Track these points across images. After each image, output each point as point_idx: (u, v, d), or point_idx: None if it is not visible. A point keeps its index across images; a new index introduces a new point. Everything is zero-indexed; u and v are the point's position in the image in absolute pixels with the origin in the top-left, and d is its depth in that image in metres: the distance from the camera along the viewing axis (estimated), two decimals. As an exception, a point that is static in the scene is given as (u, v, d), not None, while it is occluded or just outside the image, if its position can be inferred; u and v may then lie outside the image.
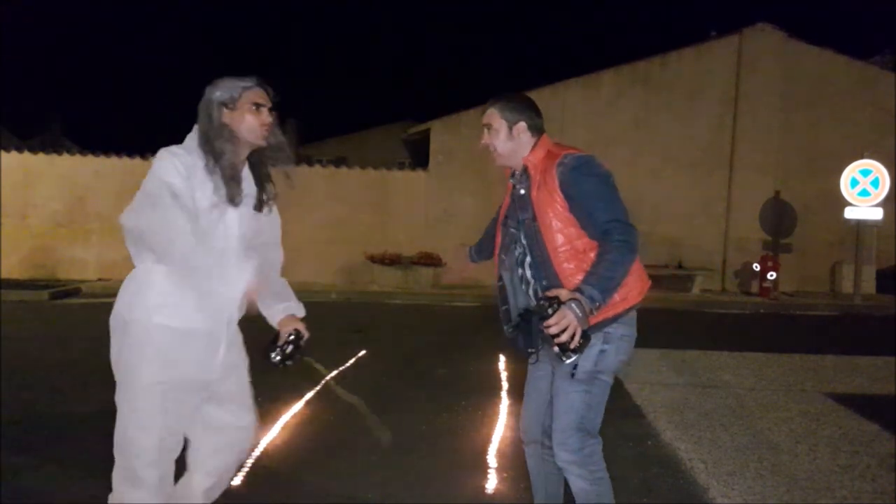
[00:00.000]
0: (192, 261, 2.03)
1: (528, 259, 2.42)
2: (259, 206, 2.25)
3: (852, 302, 11.80)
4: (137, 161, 12.40)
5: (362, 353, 6.56)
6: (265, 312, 2.35)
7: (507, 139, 2.44)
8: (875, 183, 11.95)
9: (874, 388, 5.66)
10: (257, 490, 3.25)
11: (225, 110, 2.12)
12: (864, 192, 11.99)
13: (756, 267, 12.62)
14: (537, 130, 2.47)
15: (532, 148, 2.44)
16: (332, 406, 4.80)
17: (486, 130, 2.49)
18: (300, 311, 2.38)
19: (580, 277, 2.25)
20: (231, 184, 2.11)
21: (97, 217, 12.38)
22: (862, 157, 12.04)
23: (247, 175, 2.22)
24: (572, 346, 2.12)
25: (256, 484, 3.31)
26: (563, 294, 2.17)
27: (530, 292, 2.42)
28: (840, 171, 12.17)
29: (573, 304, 2.11)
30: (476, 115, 14.52)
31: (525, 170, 2.44)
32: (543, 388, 2.52)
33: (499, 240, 2.56)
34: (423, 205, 13.12)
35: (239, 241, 2.18)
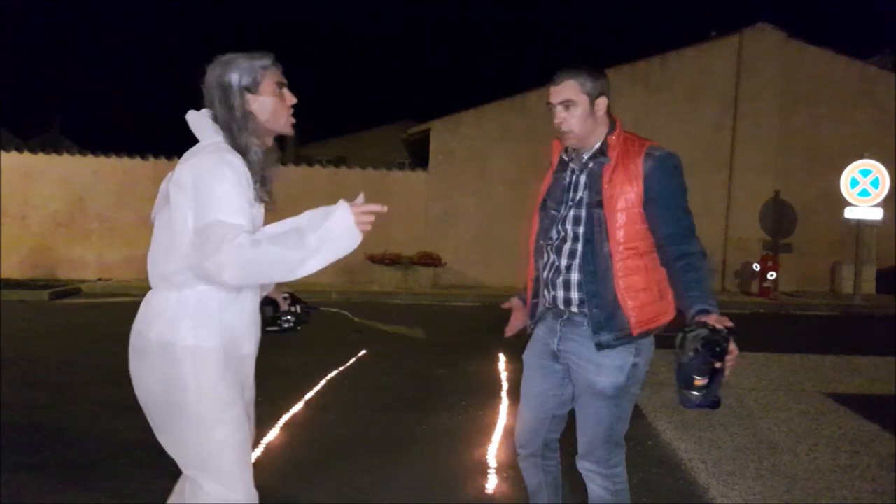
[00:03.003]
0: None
1: (569, 247, 2.19)
2: (265, 196, 1.97)
3: (852, 302, 11.80)
4: (137, 161, 12.40)
5: (362, 352, 6.56)
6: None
7: (588, 116, 2.17)
8: (875, 183, 11.95)
9: (874, 388, 5.66)
10: (257, 490, 3.24)
11: (248, 96, 1.85)
12: (864, 192, 11.99)
13: (756, 267, 12.62)
14: (609, 112, 2.24)
15: (611, 128, 2.21)
16: (332, 406, 4.80)
17: (558, 108, 2.18)
18: None
19: (632, 282, 2.11)
20: (264, 181, 1.88)
21: (97, 217, 12.37)
22: (862, 157, 12.04)
23: None
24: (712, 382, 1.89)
25: (256, 484, 3.31)
26: (712, 318, 1.93)
27: (559, 281, 2.20)
28: (840, 171, 12.17)
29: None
30: (476, 115, 14.50)
31: (602, 150, 2.19)
32: (550, 404, 2.35)
33: (535, 225, 2.34)
34: (423, 205, 13.11)
35: None
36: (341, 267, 12.76)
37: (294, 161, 14.67)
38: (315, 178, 13.10)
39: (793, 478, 3.58)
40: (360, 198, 1.86)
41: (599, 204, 2.13)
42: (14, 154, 12.35)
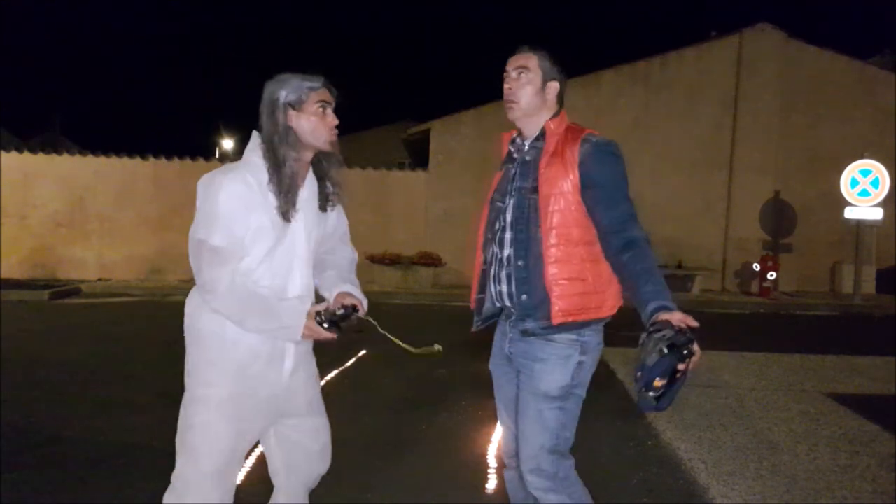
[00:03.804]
0: (253, 286, 1.99)
1: (509, 235, 2.16)
2: (323, 206, 2.15)
3: (852, 302, 11.80)
4: (137, 161, 12.39)
5: (362, 352, 6.56)
6: (322, 286, 2.24)
7: (536, 94, 2.17)
8: (875, 183, 11.95)
9: (874, 388, 5.66)
10: (257, 490, 3.25)
11: (291, 112, 2.00)
12: (864, 192, 11.99)
13: (756, 267, 12.62)
14: (561, 101, 2.23)
15: (553, 116, 2.19)
16: (332, 406, 4.79)
17: (514, 74, 2.17)
18: (362, 298, 2.25)
19: (561, 269, 2.04)
20: (288, 196, 1.98)
21: (97, 217, 12.37)
22: (862, 157, 12.04)
23: (308, 176, 2.11)
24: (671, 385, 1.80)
25: (257, 484, 3.31)
26: (676, 317, 1.82)
27: (503, 275, 2.17)
28: (840, 171, 12.17)
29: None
30: (476, 115, 14.48)
31: (540, 136, 2.18)
32: (520, 404, 2.21)
33: (484, 217, 2.32)
34: (423, 205, 13.11)
35: (307, 250, 2.09)
36: (341, 267, 12.76)
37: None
38: (315, 178, 13.10)
39: (793, 478, 3.58)
40: (362, 311, 2.21)
41: (535, 189, 2.11)
42: (14, 154, 12.36)
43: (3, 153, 12.22)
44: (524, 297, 2.12)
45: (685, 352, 1.76)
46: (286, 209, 1.98)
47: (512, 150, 2.28)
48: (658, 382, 1.78)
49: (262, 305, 1.97)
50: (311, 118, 2.01)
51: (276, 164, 1.97)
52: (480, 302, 2.34)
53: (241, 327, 1.99)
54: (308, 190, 2.08)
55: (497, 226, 2.21)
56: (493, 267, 2.23)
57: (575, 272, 2.06)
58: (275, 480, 2.29)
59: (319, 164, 2.14)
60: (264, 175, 1.97)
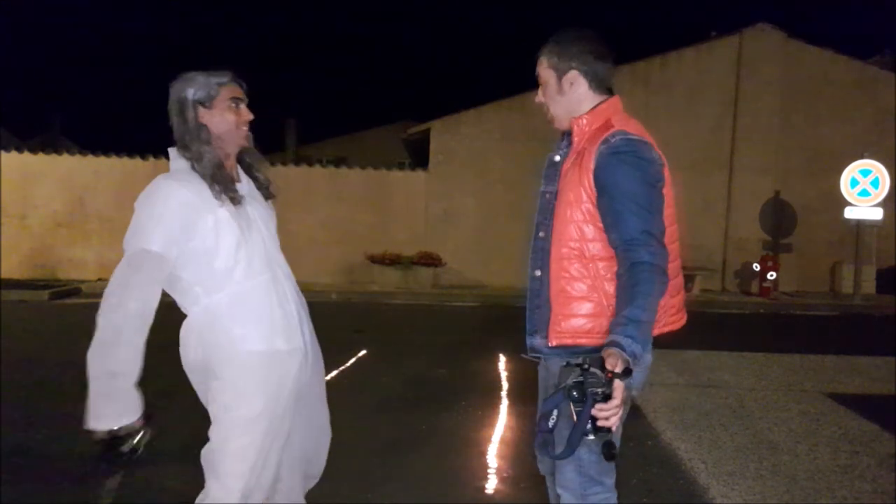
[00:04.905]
0: (243, 283, 1.92)
1: (532, 242, 1.99)
2: (267, 193, 2.12)
3: (852, 302, 11.80)
4: (137, 161, 12.40)
5: (362, 352, 6.56)
6: None
7: (558, 94, 1.91)
8: (875, 183, 11.95)
9: (874, 388, 5.66)
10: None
11: (201, 109, 1.95)
12: (864, 192, 11.99)
13: (756, 267, 12.62)
14: (600, 84, 1.90)
15: (592, 107, 1.90)
16: (332, 406, 4.79)
17: (539, 91, 1.98)
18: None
19: (578, 288, 1.83)
20: (225, 184, 1.93)
21: (97, 217, 12.37)
22: (862, 157, 12.04)
23: (240, 172, 2.08)
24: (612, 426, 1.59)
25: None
26: (615, 361, 1.59)
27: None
28: (840, 171, 12.17)
29: (629, 378, 1.59)
30: (476, 115, 14.48)
31: (569, 133, 1.93)
32: None
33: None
34: (423, 205, 13.11)
35: (272, 236, 2.07)
36: (341, 267, 12.78)
37: (294, 161, 14.65)
38: (315, 179, 13.10)
39: (793, 478, 3.58)
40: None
41: (555, 194, 1.90)
42: (14, 154, 12.35)
43: (3, 153, 12.21)
44: (536, 310, 1.95)
45: (595, 397, 1.56)
46: (233, 195, 1.93)
47: (553, 152, 2.04)
48: (550, 421, 1.64)
49: (127, 355, 1.83)
50: (225, 114, 1.96)
51: (196, 159, 1.92)
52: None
53: (96, 348, 1.83)
54: (247, 184, 2.06)
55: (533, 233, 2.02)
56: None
57: (585, 291, 1.84)
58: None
59: (243, 161, 2.11)
60: (194, 175, 1.92)
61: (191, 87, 1.95)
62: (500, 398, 5.12)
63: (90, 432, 1.80)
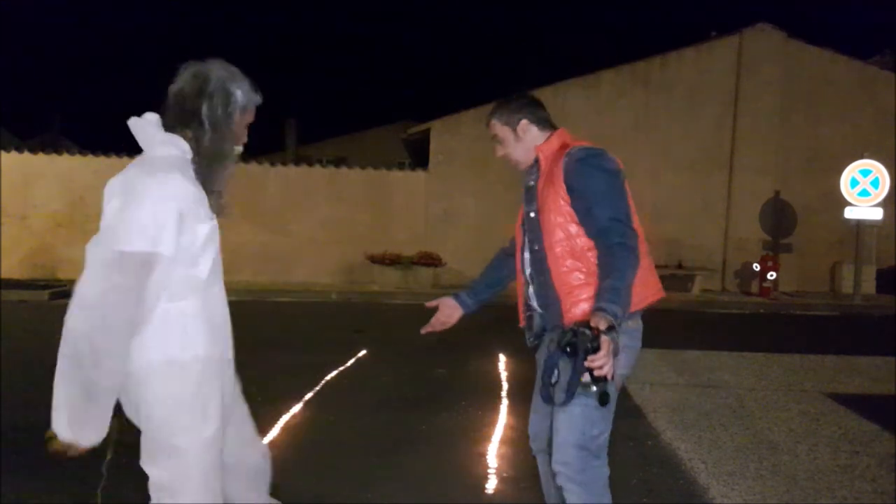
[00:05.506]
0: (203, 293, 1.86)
1: (528, 256, 2.34)
2: (220, 210, 1.93)
3: (852, 302, 11.80)
4: (137, 161, 12.39)
5: (362, 352, 6.56)
6: None
7: (516, 142, 2.34)
8: (875, 183, 11.95)
9: (874, 388, 5.66)
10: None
11: (238, 116, 1.90)
12: (864, 192, 11.99)
13: (756, 267, 12.62)
14: (545, 123, 2.36)
15: (545, 140, 2.33)
16: (332, 406, 4.80)
17: (496, 144, 2.39)
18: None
19: (576, 277, 2.16)
20: (220, 193, 1.89)
21: (97, 217, 12.04)
22: (862, 157, 12.04)
23: None
24: (607, 374, 1.91)
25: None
26: (598, 321, 1.92)
27: (530, 292, 2.35)
28: (840, 171, 12.17)
29: (613, 333, 1.90)
30: (476, 115, 14.47)
31: (536, 161, 2.33)
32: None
33: (519, 241, 2.46)
34: (423, 205, 13.11)
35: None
36: (341, 267, 12.78)
37: (294, 161, 14.64)
38: (315, 179, 13.10)
39: (793, 478, 3.58)
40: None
41: (538, 211, 2.27)
42: (14, 154, 12.36)
43: (3, 153, 12.22)
44: (547, 308, 2.27)
45: (587, 350, 1.88)
46: (220, 209, 1.88)
47: (527, 180, 2.43)
48: (584, 379, 1.93)
49: (116, 351, 1.77)
50: (243, 130, 1.95)
51: (222, 162, 1.87)
52: (530, 318, 2.44)
53: (90, 356, 1.78)
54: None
55: (522, 248, 2.40)
56: (528, 286, 2.40)
57: (583, 279, 2.17)
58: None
59: None
60: (189, 171, 1.82)
61: (238, 89, 1.89)
62: (500, 398, 5.12)
63: (51, 437, 1.79)
